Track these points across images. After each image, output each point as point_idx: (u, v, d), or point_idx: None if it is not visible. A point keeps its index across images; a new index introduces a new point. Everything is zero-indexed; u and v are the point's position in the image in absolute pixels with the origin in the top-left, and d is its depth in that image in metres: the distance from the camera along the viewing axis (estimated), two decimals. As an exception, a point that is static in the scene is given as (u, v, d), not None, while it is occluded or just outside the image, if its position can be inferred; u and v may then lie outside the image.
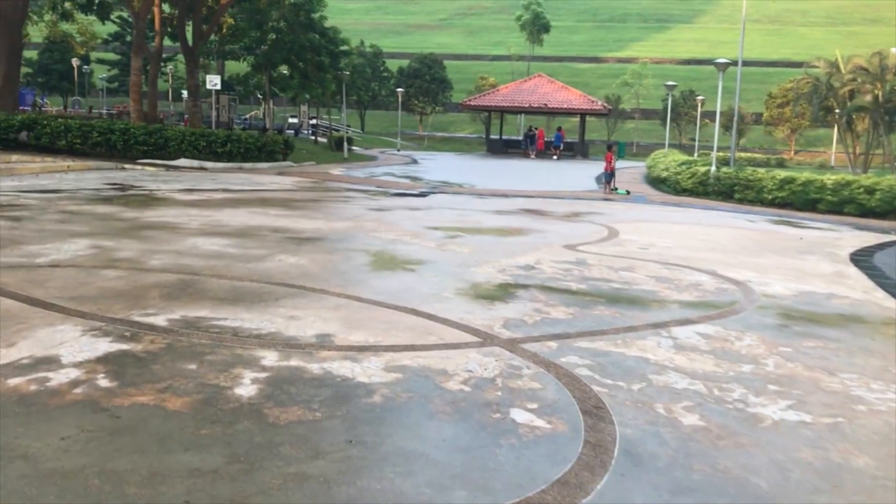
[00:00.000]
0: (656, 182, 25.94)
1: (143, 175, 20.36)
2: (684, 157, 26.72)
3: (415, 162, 35.48)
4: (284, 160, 27.49)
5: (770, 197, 19.87)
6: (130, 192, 15.88)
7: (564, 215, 15.72)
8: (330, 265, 8.69)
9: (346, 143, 34.18)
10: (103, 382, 4.51)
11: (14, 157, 19.83)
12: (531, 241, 11.43)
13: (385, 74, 62.86)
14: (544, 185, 23.98)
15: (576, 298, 7.54)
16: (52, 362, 4.82)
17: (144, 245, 9.35)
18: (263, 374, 4.80)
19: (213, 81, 26.78)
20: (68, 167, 19.81)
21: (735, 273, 9.43)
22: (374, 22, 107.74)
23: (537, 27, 65.76)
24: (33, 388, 4.38)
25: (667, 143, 35.63)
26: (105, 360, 4.93)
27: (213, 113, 34.03)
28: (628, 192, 21.40)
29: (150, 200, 14.61)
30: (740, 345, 6.15)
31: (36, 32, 42.39)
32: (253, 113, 50.81)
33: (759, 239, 13.38)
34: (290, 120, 56.45)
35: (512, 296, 7.51)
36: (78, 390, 4.37)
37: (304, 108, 53.94)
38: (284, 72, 34.49)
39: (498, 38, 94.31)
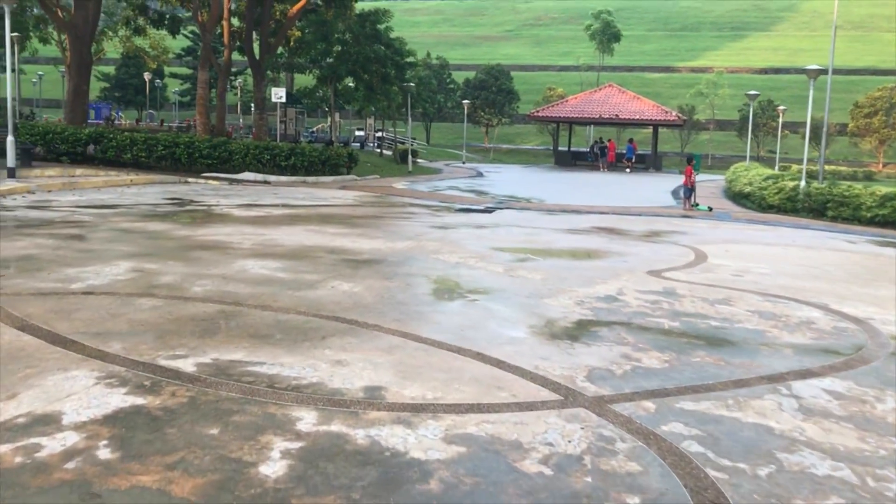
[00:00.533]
0: (738, 197, 24.34)
1: (204, 189, 20.06)
2: (769, 171, 25.02)
3: (480, 175, 34.60)
4: (348, 173, 27.00)
5: (869, 215, 18.17)
6: (188, 207, 15.46)
7: (643, 235, 14.53)
8: (386, 294, 7.83)
9: (409, 156, 33.52)
10: (103, 453, 3.71)
11: (78, 171, 19.81)
12: (610, 266, 10.35)
13: (451, 86, 62.36)
14: (618, 200, 22.71)
15: (670, 340, 6.46)
16: (50, 422, 4.06)
17: (190, 268, 8.69)
18: (297, 445, 3.92)
19: (278, 94, 26.52)
20: (131, 181, 19.67)
21: (851, 308, 8.15)
22: (440, 34, 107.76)
23: (607, 36, 64.18)
24: (18, 460, 3.61)
25: (748, 155, 33.75)
26: (113, 419, 4.14)
27: (280, 126, 33.97)
28: (710, 209, 19.98)
29: (205, 217, 14.11)
30: (884, 409, 4.97)
31: (111, 48, 43.48)
32: (320, 126, 50.93)
33: (869, 264, 11.92)
34: (357, 132, 56.46)
35: (594, 336, 6.48)
36: (70, 465, 3.58)
37: (370, 120, 53.84)
38: (350, 84, 34.19)
39: (566, 49, 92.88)
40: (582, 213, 18.31)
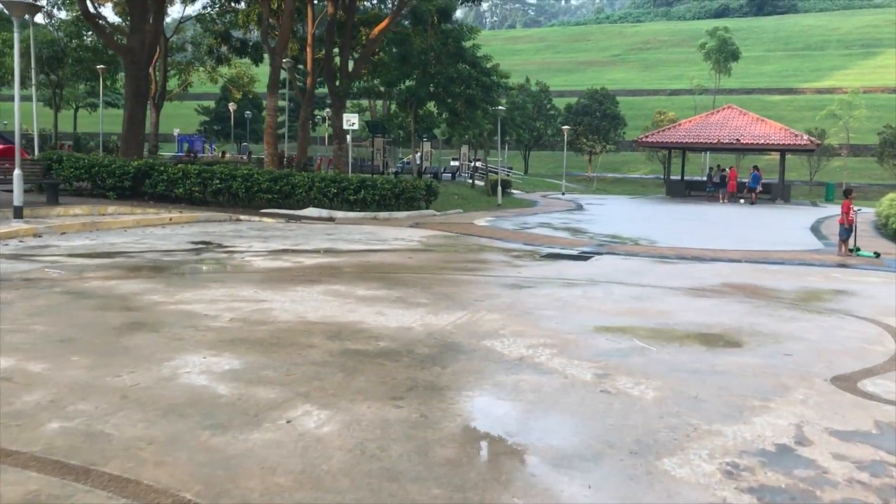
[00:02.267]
0: (902, 237, 19.47)
1: (251, 229, 17.35)
2: None
3: (580, 208, 30.74)
4: (427, 208, 23.88)
5: None
6: (205, 254, 12.60)
7: (799, 298, 10.43)
8: (373, 446, 4.37)
9: (499, 187, 30.13)
10: None
11: (111, 209, 17.56)
12: (766, 366, 6.49)
13: (552, 112, 58.75)
14: (747, 241, 18.42)
15: None
16: None
17: (90, 372, 5.56)
18: None
19: (350, 121, 23.83)
20: (170, 219, 17.21)
21: None
22: (542, 61, 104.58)
23: (724, 55, 58.83)
24: None
25: (906, 184, 28.24)
26: None
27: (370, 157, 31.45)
28: (878, 255, 15.42)
29: (212, 270, 11.17)
30: None
31: (197, 79, 42.69)
32: (411, 156, 48.46)
33: None
34: (452, 163, 53.70)
35: None
36: None
37: (464, 149, 50.96)
38: (432, 109, 31.24)
39: (677, 72, 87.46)
40: (706, 262, 14.27)
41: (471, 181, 42.00)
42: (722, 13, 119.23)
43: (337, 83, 28.62)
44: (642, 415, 5.06)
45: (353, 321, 7.60)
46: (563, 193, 43.04)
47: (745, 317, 8.76)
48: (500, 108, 28.52)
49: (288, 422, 4.68)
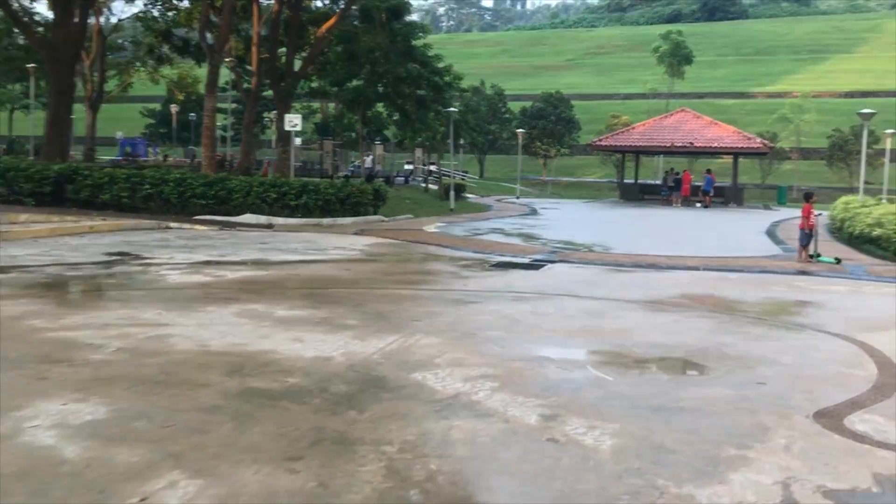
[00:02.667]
0: (859, 241, 19.04)
1: (179, 238, 16.05)
2: None
3: (534, 213, 29.97)
4: (375, 213, 22.79)
5: None
6: (116, 268, 11.33)
7: (765, 311, 9.67)
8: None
9: (452, 191, 29.20)
10: None
11: (23, 217, 16.07)
12: (739, 401, 5.61)
13: (507, 115, 58.15)
14: (705, 247, 17.79)
15: None
16: None
17: None
18: None
19: (293, 122, 22.57)
20: (90, 227, 15.83)
21: None
22: (499, 65, 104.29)
23: (678, 58, 58.97)
24: None
25: (861, 187, 28.22)
26: None
27: (297, 159, 30.18)
28: (838, 261, 14.86)
29: (117, 287, 9.96)
30: None
31: (140, 84, 40.86)
32: (362, 159, 47.13)
33: None
34: (406, 166, 52.65)
35: None
36: None
37: (418, 153, 49.97)
38: (381, 110, 30.11)
39: (630, 77, 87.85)
40: (663, 270, 13.51)
41: (424, 185, 41.01)
42: (674, 18, 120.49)
43: (282, 84, 27.34)
44: (597, 474, 4.10)
45: (262, 350, 6.51)
46: (518, 198, 42.33)
47: (709, 335, 7.91)
48: (452, 109, 27.53)
49: (142, 500, 3.60)
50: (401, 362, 6.28)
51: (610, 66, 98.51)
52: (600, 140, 40.42)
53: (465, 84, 32.38)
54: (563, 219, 26.79)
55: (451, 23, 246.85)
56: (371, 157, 42.49)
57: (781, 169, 56.10)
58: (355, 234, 18.38)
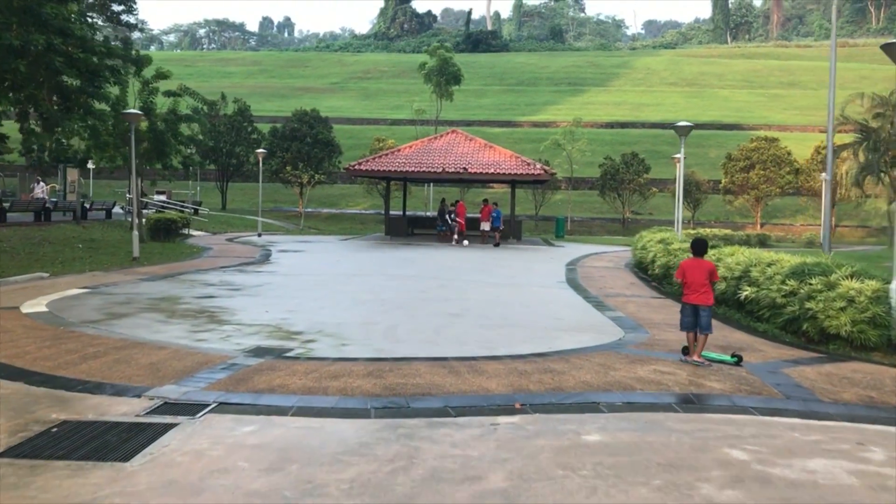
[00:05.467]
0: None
1: None
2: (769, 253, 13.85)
3: (265, 259, 21.75)
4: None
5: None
6: None
7: None
8: None
9: (135, 231, 20.04)
10: None
11: None
12: None
13: (255, 137, 49.29)
14: (502, 324, 10.88)
15: None
16: None
17: None
18: None
19: None
20: None
21: None
22: (256, 85, 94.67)
23: (446, 77, 53.95)
24: None
25: (677, 218, 23.39)
26: None
27: None
28: (739, 360, 8.44)
29: None
30: None
31: None
32: (49, 186, 35.66)
33: None
34: (156, 196, 41.72)
35: None
36: None
37: (137, 179, 39.41)
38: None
39: (398, 102, 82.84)
40: (440, 416, 6.11)
41: (132, 221, 31.07)
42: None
43: None
44: None
45: None
46: (260, 235, 33.78)
47: None
48: (134, 111, 18.20)
49: None
50: None
51: (376, 91, 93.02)
52: (359, 164, 33.21)
53: (122, 52, 22.83)
54: (299, 270, 18.89)
55: (213, 46, 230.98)
56: (41, 184, 31.62)
57: (553, 199, 53.00)
58: None
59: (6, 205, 27.68)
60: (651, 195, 48.97)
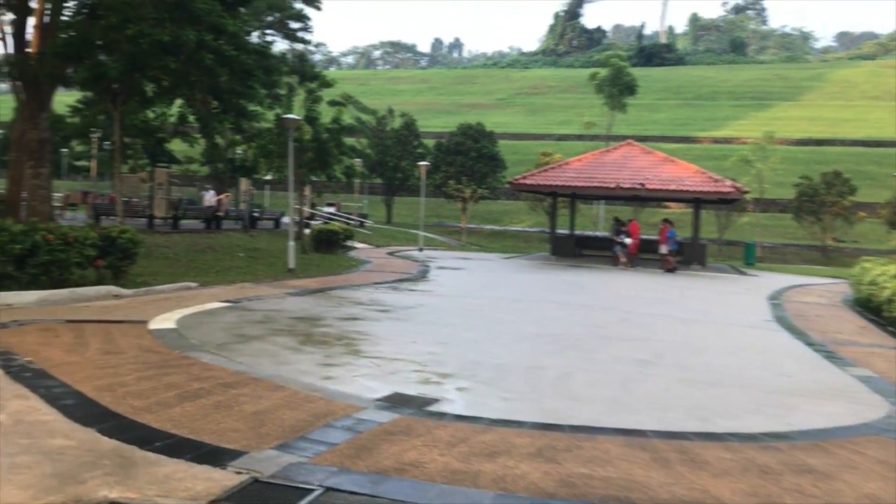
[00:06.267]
0: None
1: None
2: None
3: (422, 276, 20.18)
4: (111, 280, 12.66)
5: None
6: None
7: None
8: None
9: (292, 243, 19.07)
10: None
11: None
12: None
13: (419, 151, 48.79)
14: (713, 381, 8.25)
15: None
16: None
17: None
18: None
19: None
20: None
21: None
22: (424, 101, 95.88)
23: (619, 87, 50.83)
24: None
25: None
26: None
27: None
28: None
29: None
30: None
31: None
32: (225, 195, 36.58)
33: None
34: (326, 208, 42.24)
35: None
36: None
37: (307, 191, 39.86)
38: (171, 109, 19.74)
39: (565, 117, 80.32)
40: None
41: (297, 232, 30.96)
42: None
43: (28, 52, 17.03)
44: None
45: None
46: (421, 249, 32.59)
47: None
48: (293, 116, 17.38)
49: None
50: None
51: (543, 106, 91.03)
52: (524, 178, 31.17)
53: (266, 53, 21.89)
54: (457, 291, 17.05)
55: (387, 66, 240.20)
56: (210, 192, 32.27)
57: (740, 222, 48.14)
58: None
59: (179, 213, 28.29)
60: (857, 220, 42.96)
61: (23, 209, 17.94)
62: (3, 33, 18.04)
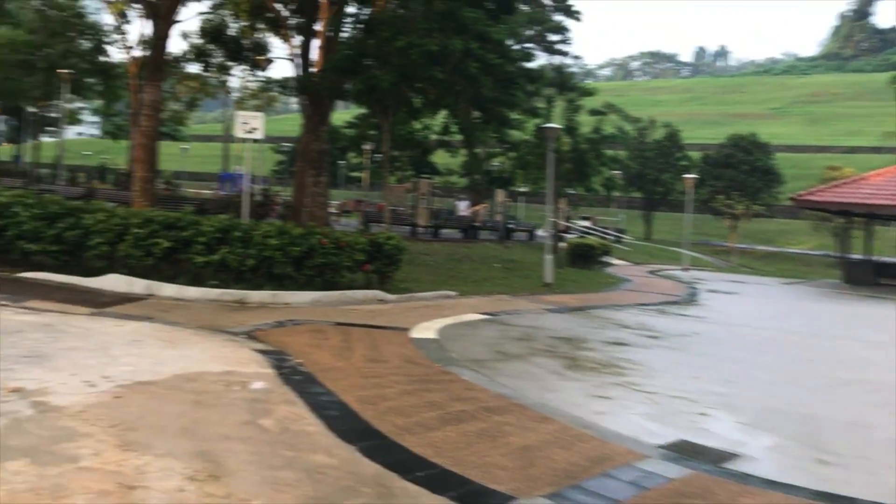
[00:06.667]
0: None
1: None
2: None
3: (689, 300, 18.42)
4: (378, 285, 12.92)
5: None
6: None
7: None
8: None
9: (548, 258, 18.41)
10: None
11: None
12: None
13: (683, 163, 46.00)
14: None
15: None
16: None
17: None
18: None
19: (249, 125, 13.26)
20: None
21: None
22: (688, 112, 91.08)
23: (931, 92, 43.78)
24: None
25: None
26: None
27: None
28: None
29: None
30: None
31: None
32: (481, 206, 37.11)
33: None
34: (581, 222, 41.93)
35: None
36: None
37: (562, 203, 39.35)
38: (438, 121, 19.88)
39: (854, 128, 71.39)
40: None
41: (553, 245, 30.45)
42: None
43: (312, 70, 18.38)
44: None
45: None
46: (686, 269, 30.34)
47: None
48: (553, 125, 16.66)
49: None
50: None
51: (826, 116, 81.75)
52: (811, 193, 27.62)
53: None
54: (735, 319, 15.17)
55: (646, 77, 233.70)
56: (464, 202, 32.66)
57: None
58: (250, 336, 8.57)
59: (440, 222, 29.12)
60: None
61: (304, 215, 19.30)
62: (293, 56, 19.79)
